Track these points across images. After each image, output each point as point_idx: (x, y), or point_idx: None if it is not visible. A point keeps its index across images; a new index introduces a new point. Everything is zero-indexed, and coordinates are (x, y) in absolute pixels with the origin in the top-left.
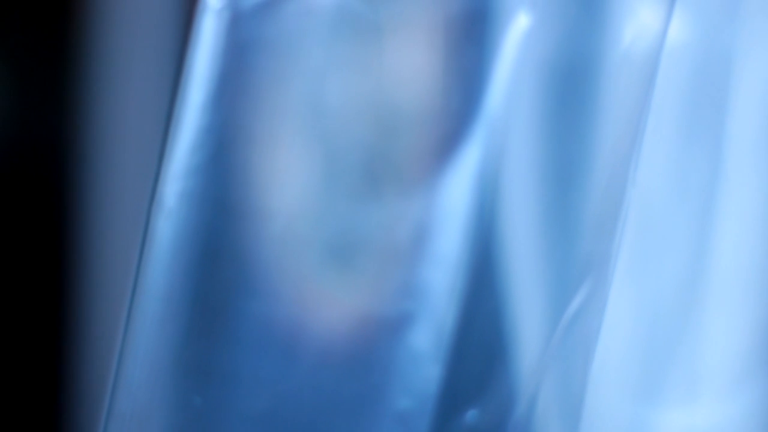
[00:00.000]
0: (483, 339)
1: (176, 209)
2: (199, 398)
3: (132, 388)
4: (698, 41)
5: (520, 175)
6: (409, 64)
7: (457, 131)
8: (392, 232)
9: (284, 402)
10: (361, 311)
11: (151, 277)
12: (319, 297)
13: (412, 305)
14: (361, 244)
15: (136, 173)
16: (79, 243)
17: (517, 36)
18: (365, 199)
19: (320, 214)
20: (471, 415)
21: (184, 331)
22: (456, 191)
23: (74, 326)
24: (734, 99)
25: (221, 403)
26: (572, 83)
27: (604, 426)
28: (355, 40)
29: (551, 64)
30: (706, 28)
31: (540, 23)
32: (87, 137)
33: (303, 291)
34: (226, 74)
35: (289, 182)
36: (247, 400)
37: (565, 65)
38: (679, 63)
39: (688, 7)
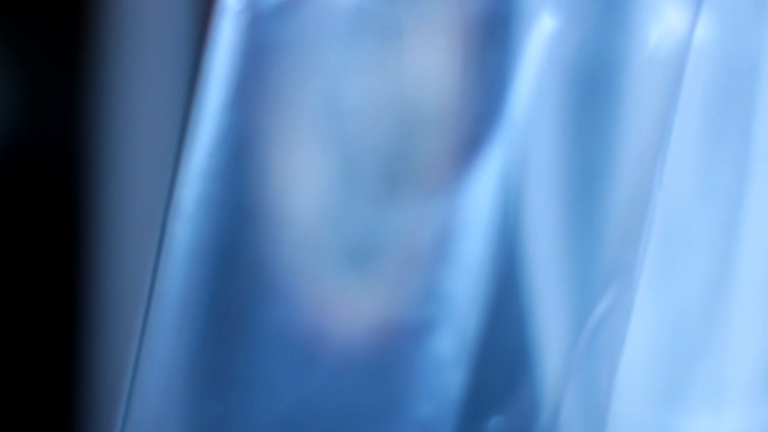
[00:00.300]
0: (507, 345)
1: (194, 213)
2: (216, 405)
3: (148, 394)
4: (724, 41)
5: (544, 179)
6: (431, 65)
7: (479, 134)
8: (413, 237)
9: (303, 409)
10: (381, 316)
11: (168, 281)
12: (338, 302)
13: (433, 310)
14: (381, 248)
15: (151, 174)
16: (92, 245)
17: (541, 37)
18: (386, 202)
19: (340, 217)
20: (495, 421)
21: (201, 337)
22: (478, 195)
23: (88, 329)
24: (761, 100)
25: (238, 409)
26: (597, 85)
27: None
28: (375, 42)
29: (575, 65)
30: (733, 29)
31: (564, 24)
32: (101, 137)
33: (322, 296)
34: (245, 76)
35: (308, 186)
36: (264, 406)
37: (589, 67)
38: (705, 64)
39: (714, 7)
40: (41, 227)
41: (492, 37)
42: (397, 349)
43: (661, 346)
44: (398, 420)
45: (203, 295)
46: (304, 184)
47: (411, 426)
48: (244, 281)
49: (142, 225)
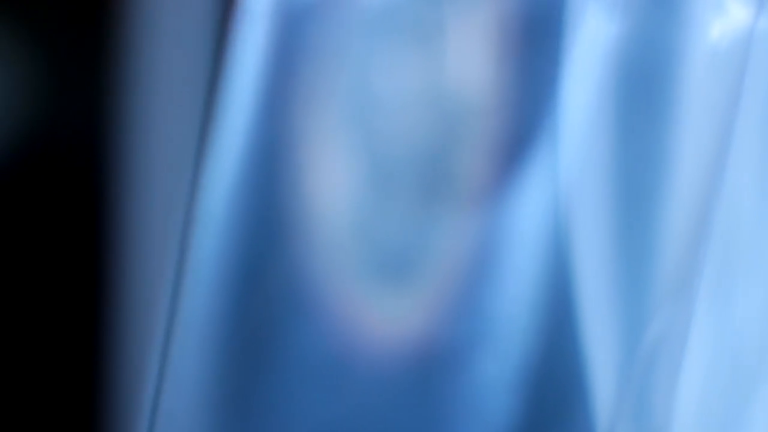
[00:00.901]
0: (557, 367)
1: (220, 224)
2: (244, 427)
3: (172, 417)
4: None
5: (596, 188)
6: (472, 68)
7: (526, 141)
8: (455, 251)
9: None
10: (420, 335)
11: (192, 296)
12: (374, 319)
13: (477, 330)
14: (421, 262)
15: (175, 173)
16: (114, 243)
17: (593, 35)
18: (426, 214)
19: (376, 229)
20: None
21: (228, 356)
22: (525, 206)
23: (109, 327)
24: None
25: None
26: (652, 85)
27: None
28: (413, 42)
29: (629, 64)
30: None
31: (617, 20)
32: (124, 133)
33: (357, 312)
34: (274, 79)
35: (342, 195)
36: (293, 430)
37: (644, 65)
38: (763, 60)
39: None
40: (61, 219)
41: (541, 36)
42: (437, 370)
43: (720, 371)
44: None
45: (230, 311)
46: (338, 193)
47: None
48: (274, 297)
49: (164, 224)
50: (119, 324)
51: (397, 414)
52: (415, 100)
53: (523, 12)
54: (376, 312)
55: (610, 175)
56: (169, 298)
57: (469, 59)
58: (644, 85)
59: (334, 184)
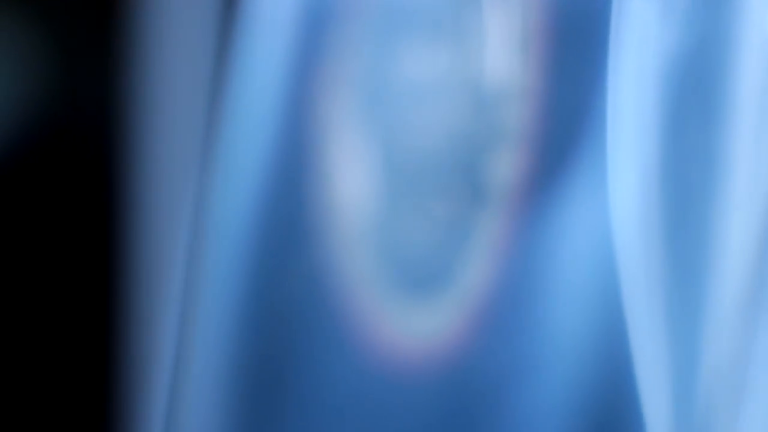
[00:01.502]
0: (610, 396)
1: (235, 228)
2: None
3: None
4: None
5: (647, 193)
6: (508, 67)
7: (570, 145)
8: (493, 263)
9: None
10: (457, 359)
11: (206, 305)
12: (405, 337)
13: (518, 353)
14: (456, 275)
15: (186, 167)
16: (125, 240)
17: (641, 30)
18: (461, 223)
19: (409, 239)
20: None
21: (243, 372)
22: (571, 215)
23: (120, 330)
24: None
25: None
26: (706, 82)
27: None
28: (444, 40)
29: (680, 60)
30: None
31: (666, 13)
32: (135, 131)
33: (387, 330)
34: (294, 80)
35: (369, 202)
36: None
37: (697, 61)
38: None
39: None
40: (71, 223)
41: (584, 33)
42: (476, 397)
43: None
44: None
45: (246, 321)
46: (365, 200)
47: None
48: (294, 310)
49: (176, 223)
50: (129, 326)
51: None
52: (449, 100)
53: (566, 7)
54: (408, 330)
55: (663, 181)
56: (182, 307)
57: (504, 58)
58: (698, 83)
59: (360, 190)
